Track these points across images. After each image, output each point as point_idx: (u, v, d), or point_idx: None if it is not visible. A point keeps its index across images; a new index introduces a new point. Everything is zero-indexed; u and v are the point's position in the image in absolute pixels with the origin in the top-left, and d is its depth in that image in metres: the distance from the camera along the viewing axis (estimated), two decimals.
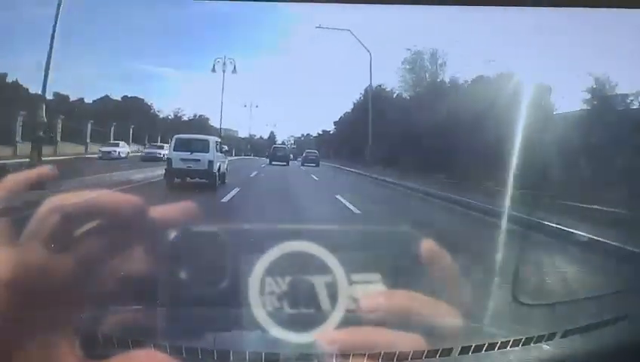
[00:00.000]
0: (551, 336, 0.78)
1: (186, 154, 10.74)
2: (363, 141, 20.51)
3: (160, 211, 0.73)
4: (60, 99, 17.86)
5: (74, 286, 0.72)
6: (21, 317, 0.70)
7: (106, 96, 19.92)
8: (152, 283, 0.78)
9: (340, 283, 0.73)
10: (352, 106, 23.77)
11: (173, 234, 0.73)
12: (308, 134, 26.10)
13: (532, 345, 0.76)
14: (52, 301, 0.72)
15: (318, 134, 26.92)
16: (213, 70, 18.57)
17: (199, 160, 10.60)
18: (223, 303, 0.77)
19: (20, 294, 0.68)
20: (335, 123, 25.13)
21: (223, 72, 18.87)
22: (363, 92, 22.63)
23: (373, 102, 20.83)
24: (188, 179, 10.45)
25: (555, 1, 0.85)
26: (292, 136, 25.53)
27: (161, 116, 22.23)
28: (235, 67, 18.88)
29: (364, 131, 20.18)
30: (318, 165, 19.54)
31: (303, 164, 19.42)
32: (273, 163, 18.39)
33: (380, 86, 22.74)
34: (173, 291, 0.78)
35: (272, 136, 24.20)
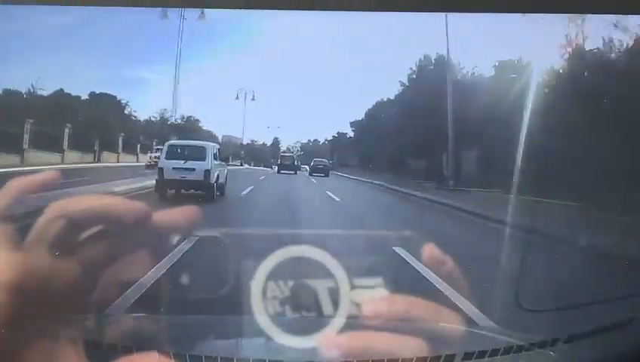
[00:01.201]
0: (554, 342, 0.88)
1: (179, 163, 10.80)
2: (423, 144, 13.81)
3: (163, 217, 0.85)
4: (8, 94, 15.03)
5: (78, 292, 0.85)
6: (25, 322, 0.83)
7: (60, 91, 16.00)
8: (156, 290, 0.90)
9: (341, 289, 0.84)
10: (390, 92, 18.84)
11: (176, 240, 0.86)
12: (315, 140, 25.23)
13: (536, 350, 0.87)
14: (56, 306, 0.84)
15: (333, 137, 24.54)
16: (165, 17, 12.98)
17: (194, 169, 10.65)
18: (227, 310, 0.89)
19: (24, 299, 0.80)
20: (352, 124, 21.53)
21: (182, 20, 13.50)
22: (415, 68, 16.55)
23: (434, 82, 13.53)
24: (182, 190, 10.57)
25: None
26: (298, 141, 24.74)
27: (138, 118, 20.22)
28: (203, 13, 12.39)
29: (424, 129, 13.19)
30: (327, 175, 18.84)
31: (311, 174, 19.27)
32: (282, 172, 18.28)
33: (441, 56, 15.38)
34: (176, 298, 0.90)
35: (275, 142, 23.85)
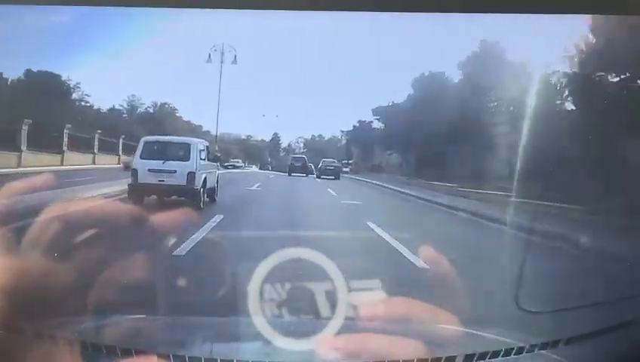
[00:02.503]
0: (555, 344, 1.08)
1: (157, 164, 10.64)
2: None
3: (159, 219, 1.07)
4: None
5: (76, 295, 1.07)
6: (23, 326, 1.04)
7: None
8: (153, 292, 1.11)
9: (339, 291, 1.05)
10: None
11: (173, 243, 1.07)
12: (320, 135, 24.56)
13: (536, 352, 1.07)
14: (54, 309, 1.06)
15: (354, 127, 20.48)
16: None
17: (175, 171, 10.52)
18: (226, 312, 1.09)
19: (21, 303, 1.01)
20: (377, 111, 18.02)
21: None
22: None
23: None
24: (165, 197, 10.58)
25: None
26: (301, 137, 24.35)
27: (91, 104, 17.78)
28: None
29: None
30: (338, 178, 18.82)
31: (319, 177, 19.58)
32: (293, 174, 18.56)
33: None
34: (174, 300, 1.11)
35: (275, 138, 23.73)
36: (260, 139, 22.28)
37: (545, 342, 1.10)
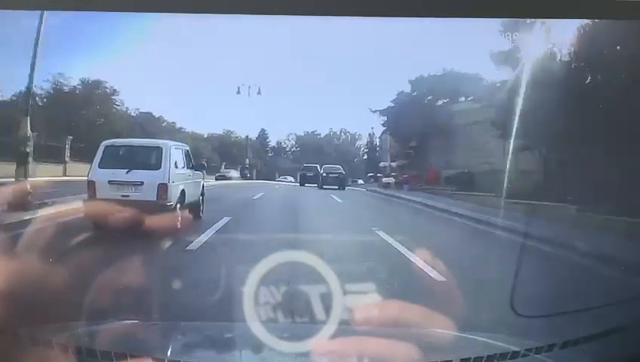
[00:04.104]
0: (550, 348, 1.38)
1: (119, 174, 10.30)
2: None
3: (156, 222, 1.39)
4: None
5: (71, 300, 1.38)
6: (18, 330, 1.36)
7: None
8: (149, 297, 1.42)
9: (334, 294, 1.36)
10: None
11: (168, 246, 1.40)
12: (314, 132, 23.80)
13: (531, 356, 1.37)
14: (49, 314, 1.37)
15: (394, 103, 16.11)
16: None
17: (142, 183, 10.18)
18: (221, 317, 1.40)
19: (17, 307, 1.32)
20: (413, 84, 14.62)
21: None
22: None
23: None
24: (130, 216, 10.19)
25: None
26: (293, 133, 23.71)
27: None
28: None
29: None
30: (343, 188, 18.88)
31: (321, 187, 19.86)
32: (305, 184, 18.96)
33: None
34: (169, 305, 1.43)
35: (262, 135, 23.04)
36: (244, 135, 20.79)
37: (540, 346, 1.40)
